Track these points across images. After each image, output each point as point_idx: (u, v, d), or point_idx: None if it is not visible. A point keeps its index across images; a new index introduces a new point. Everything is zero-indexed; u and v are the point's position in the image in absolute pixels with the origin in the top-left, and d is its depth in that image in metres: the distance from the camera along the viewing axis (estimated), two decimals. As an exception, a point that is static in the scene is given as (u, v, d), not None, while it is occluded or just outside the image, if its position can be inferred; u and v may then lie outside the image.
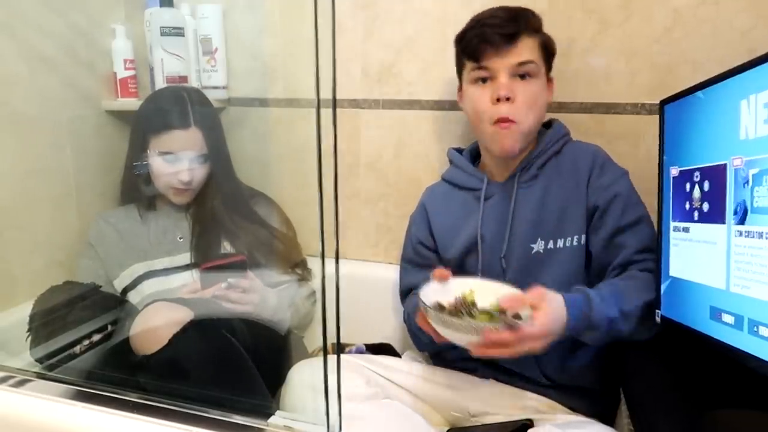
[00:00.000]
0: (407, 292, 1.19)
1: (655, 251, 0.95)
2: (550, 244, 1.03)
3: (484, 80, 1.04)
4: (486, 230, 1.08)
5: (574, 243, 1.02)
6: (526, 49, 1.01)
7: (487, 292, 0.90)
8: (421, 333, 0.98)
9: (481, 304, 0.89)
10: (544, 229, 1.03)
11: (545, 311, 0.82)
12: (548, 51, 1.07)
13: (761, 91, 0.68)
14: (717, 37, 1.13)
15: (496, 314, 0.84)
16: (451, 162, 1.19)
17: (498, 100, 1.01)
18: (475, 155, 1.19)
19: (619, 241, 0.99)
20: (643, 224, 1.00)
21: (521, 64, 1.01)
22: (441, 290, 0.91)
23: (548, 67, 1.08)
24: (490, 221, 1.08)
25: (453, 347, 0.88)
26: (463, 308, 0.87)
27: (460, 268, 1.09)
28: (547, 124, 1.13)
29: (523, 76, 1.02)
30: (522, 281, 0.95)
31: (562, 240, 1.03)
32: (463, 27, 1.07)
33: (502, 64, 1.01)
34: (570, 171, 1.06)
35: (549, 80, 1.09)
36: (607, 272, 1.00)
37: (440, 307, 0.87)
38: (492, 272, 1.05)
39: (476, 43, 1.02)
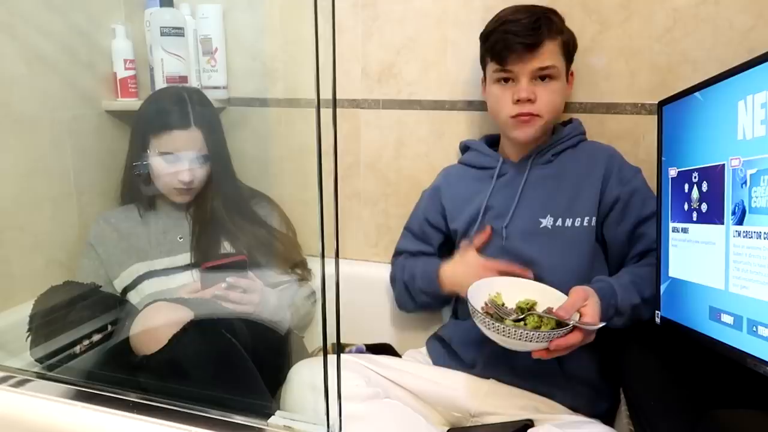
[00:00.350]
0: (400, 253, 1.31)
1: None
2: (559, 222, 1.08)
3: (506, 80, 1.09)
4: (494, 201, 1.14)
5: (584, 224, 1.07)
6: (547, 54, 1.06)
7: (517, 291, 0.99)
8: (409, 295, 1.23)
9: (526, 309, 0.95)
10: (554, 206, 1.08)
11: (592, 306, 0.90)
12: (570, 49, 1.11)
13: (758, 91, 0.68)
14: (717, 37, 1.13)
15: (549, 317, 0.91)
16: (466, 149, 1.26)
17: (518, 101, 1.06)
18: (491, 143, 1.24)
19: (640, 232, 1.05)
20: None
21: (542, 68, 1.06)
22: (477, 295, 0.96)
23: (569, 64, 1.12)
24: (499, 195, 1.14)
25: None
26: (517, 319, 0.93)
27: (465, 237, 1.17)
28: (567, 123, 1.18)
29: (543, 78, 1.07)
30: (524, 252, 1.08)
31: (571, 219, 1.07)
32: (488, 24, 1.12)
33: (524, 69, 1.06)
34: (586, 162, 1.11)
35: (570, 74, 1.14)
36: (627, 260, 1.07)
37: (495, 318, 0.91)
38: (490, 241, 1.13)
39: (500, 48, 1.07)
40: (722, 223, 0.73)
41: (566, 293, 0.95)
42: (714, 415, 0.70)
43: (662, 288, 0.88)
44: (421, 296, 1.22)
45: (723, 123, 0.74)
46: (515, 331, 0.86)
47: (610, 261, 1.11)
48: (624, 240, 1.07)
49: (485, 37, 1.12)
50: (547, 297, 0.98)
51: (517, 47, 1.04)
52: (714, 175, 0.75)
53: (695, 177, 0.80)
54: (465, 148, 1.27)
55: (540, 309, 0.94)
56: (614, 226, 1.07)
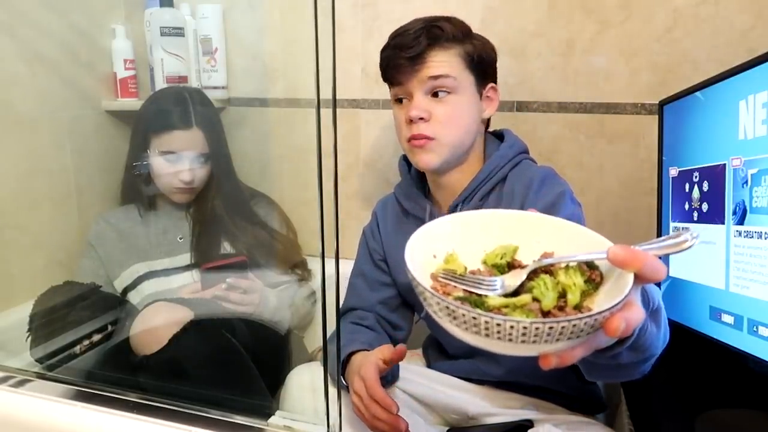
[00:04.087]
0: (350, 310, 1.09)
1: None
2: None
3: (400, 100, 0.99)
4: None
5: None
6: (438, 65, 0.94)
7: (478, 233, 0.53)
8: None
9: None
10: None
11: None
12: (475, 60, 0.97)
13: (760, 91, 0.68)
14: (717, 37, 1.13)
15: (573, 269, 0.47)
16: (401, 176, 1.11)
17: (411, 120, 0.95)
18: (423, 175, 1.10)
19: None
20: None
21: (434, 77, 0.94)
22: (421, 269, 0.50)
23: (481, 78, 0.99)
24: None
25: None
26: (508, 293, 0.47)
27: (411, 295, 1.03)
28: (500, 136, 1.05)
29: (436, 94, 0.95)
30: None
31: None
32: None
33: (413, 83, 0.95)
34: (508, 197, 0.96)
35: (485, 91, 1.00)
36: None
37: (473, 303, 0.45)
38: None
39: (385, 65, 0.99)
40: (723, 223, 0.73)
41: (514, 376, 0.82)
42: (714, 415, 0.70)
43: (662, 288, 0.88)
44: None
45: (724, 122, 0.74)
46: (511, 326, 0.40)
47: None
48: None
49: (379, 59, 1.02)
50: (534, 231, 0.52)
51: (400, 61, 0.95)
52: (715, 175, 0.75)
53: (696, 176, 0.80)
54: (400, 172, 1.11)
55: (527, 256, 0.51)
56: None
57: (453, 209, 0.99)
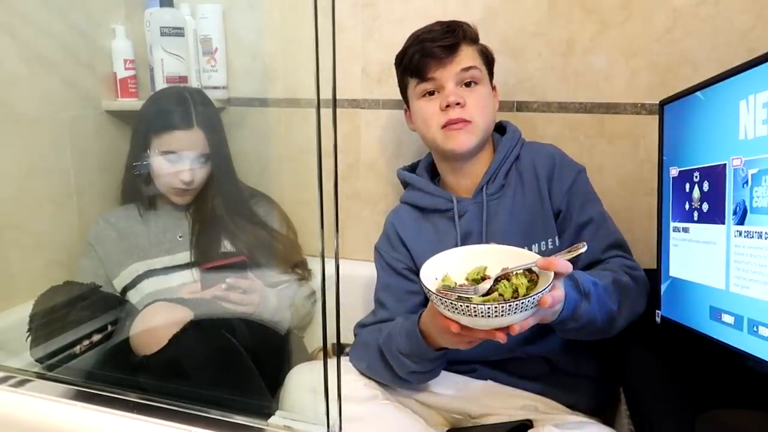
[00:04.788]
0: (368, 324, 1.09)
1: (619, 248, 0.98)
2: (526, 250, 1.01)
3: (431, 93, 1.04)
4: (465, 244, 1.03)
5: (549, 246, 1.02)
6: (467, 57, 1.02)
7: (464, 261, 0.84)
8: (384, 363, 0.98)
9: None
10: (518, 236, 1.02)
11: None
12: (488, 59, 1.08)
13: (760, 91, 0.68)
14: (717, 37, 1.13)
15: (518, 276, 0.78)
16: (407, 184, 1.15)
17: (448, 106, 1.00)
18: (431, 173, 1.15)
19: (582, 239, 0.97)
20: (604, 221, 1.01)
21: (465, 69, 1.02)
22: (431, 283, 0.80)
23: (490, 75, 1.09)
24: (467, 239, 1.05)
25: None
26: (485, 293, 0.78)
27: None
28: (500, 129, 1.12)
29: (468, 84, 1.03)
30: None
31: (536, 245, 1.02)
32: (402, 48, 1.07)
33: (447, 74, 1.01)
34: (530, 175, 1.05)
35: (493, 88, 1.09)
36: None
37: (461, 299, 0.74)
38: None
39: (418, 58, 1.02)
40: (723, 223, 0.73)
41: (544, 331, 0.90)
42: (714, 415, 0.70)
43: (663, 287, 0.88)
44: (404, 362, 0.95)
45: (724, 122, 0.74)
46: (488, 308, 0.70)
47: None
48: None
49: (400, 59, 1.07)
50: (495, 256, 0.83)
51: (436, 51, 1.00)
52: (715, 175, 0.75)
53: (696, 176, 0.80)
54: (405, 183, 1.16)
55: (492, 272, 0.81)
56: (560, 237, 1.02)
57: (480, 191, 1.06)
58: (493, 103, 1.08)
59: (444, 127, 1.02)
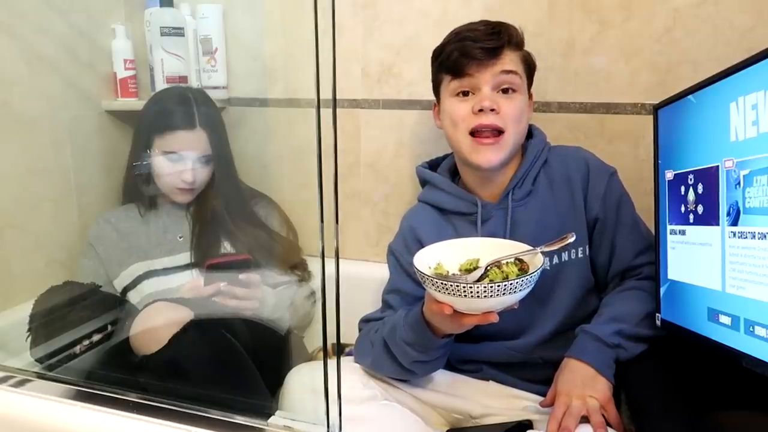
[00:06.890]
0: (372, 320, 1.09)
1: (651, 252, 0.97)
2: (555, 260, 1.00)
3: (465, 93, 1.00)
4: None
5: (579, 255, 1.00)
6: (509, 61, 0.98)
7: (457, 253, 0.89)
8: (389, 354, 0.97)
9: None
10: (544, 244, 0.99)
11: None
12: (530, 67, 1.03)
13: (749, 93, 0.68)
14: (717, 37, 1.13)
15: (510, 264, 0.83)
16: (425, 182, 1.12)
17: (481, 110, 0.96)
18: (453, 171, 1.12)
19: (615, 244, 1.00)
20: (636, 225, 1.02)
21: (505, 72, 0.97)
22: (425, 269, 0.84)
23: (530, 84, 1.04)
24: None
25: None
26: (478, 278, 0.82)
27: None
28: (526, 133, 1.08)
29: (506, 91, 0.98)
30: (534, 300, 0.96)
31: (566, 254, 1.00)
32: (441, 41, 1.03)
33: (485, 76, 0.97)
34: (562, 181, 1.02)
35: (530, 96, 1.05)
36: (608, 281, 1.02)
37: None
38: None
39: (456, 57, 0.98)
40: (718, 225, 0.73)
41: (565, 337, 0.94)
42: (713, 416, 0.70)
43: (662, 290, 0.88)
44: (407, 352, 0.95)
45: (716, 125, 0.74)
46: (477, 287, 0.74)
47: (598, 282, 1.03)
48: (605, 257, 1.00)
49: (438, 54, 1.02)
50: (489, 250, 0.86)
51: (476, 52, 0.96)
52: (709, 177, 0.75)
53: (691, 179, 0.80)
54: (424, 182, 1.12)
55: (484, 262, 0.85)
56: (599, 247, 1.01)
57: (505, 196, 1.03)
58: (528, 115, 1.03)
59: (473, 134, 0.98)
